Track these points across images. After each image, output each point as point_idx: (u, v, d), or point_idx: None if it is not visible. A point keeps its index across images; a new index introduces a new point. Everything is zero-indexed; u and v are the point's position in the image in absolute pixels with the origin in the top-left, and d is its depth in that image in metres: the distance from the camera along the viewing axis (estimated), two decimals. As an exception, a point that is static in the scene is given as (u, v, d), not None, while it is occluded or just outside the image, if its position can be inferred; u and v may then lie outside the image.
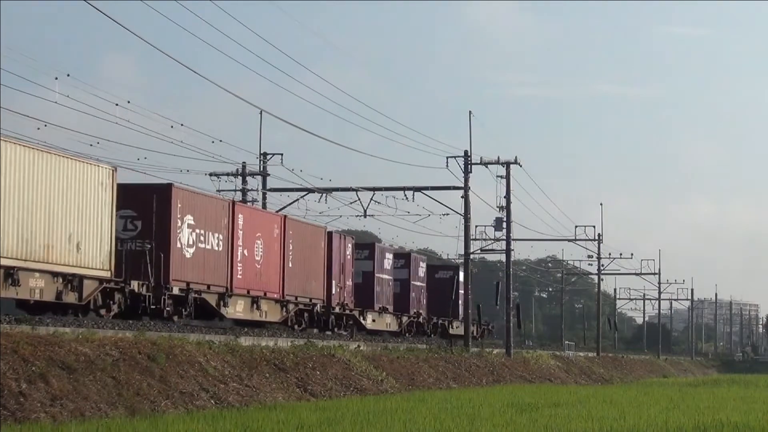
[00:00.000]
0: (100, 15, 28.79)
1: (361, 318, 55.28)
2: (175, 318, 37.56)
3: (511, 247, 64.87)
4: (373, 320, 57.04)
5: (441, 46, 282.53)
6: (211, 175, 60.39)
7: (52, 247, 31.26)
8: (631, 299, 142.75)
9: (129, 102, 42.15)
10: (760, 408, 30.19)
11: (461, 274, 70.50)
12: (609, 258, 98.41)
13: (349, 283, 53.23)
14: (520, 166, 63.28)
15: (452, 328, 70.03)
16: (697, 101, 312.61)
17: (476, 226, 66.17)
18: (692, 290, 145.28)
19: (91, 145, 41.63)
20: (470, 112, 61.02)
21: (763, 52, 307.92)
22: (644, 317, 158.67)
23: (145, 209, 36.86)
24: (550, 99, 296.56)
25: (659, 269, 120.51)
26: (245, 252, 42.10)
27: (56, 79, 37.95)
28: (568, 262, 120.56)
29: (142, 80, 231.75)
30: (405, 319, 62.54)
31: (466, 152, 60.45)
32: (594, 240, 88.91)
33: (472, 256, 64.46)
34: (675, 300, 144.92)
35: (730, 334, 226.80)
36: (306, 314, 48.23)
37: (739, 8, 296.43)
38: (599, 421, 24.14)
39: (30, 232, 30.48)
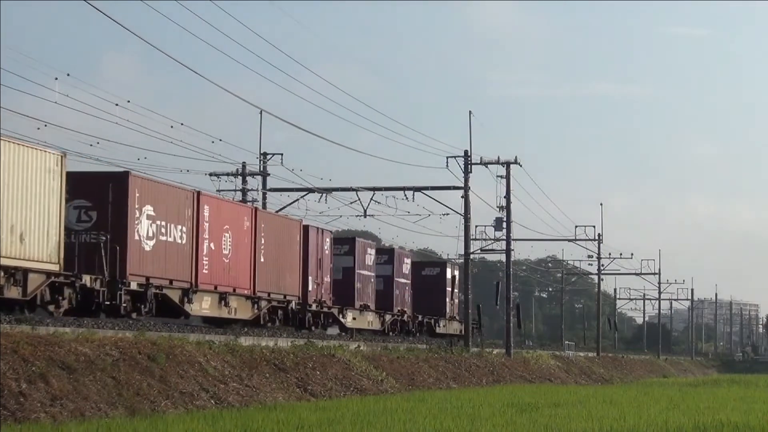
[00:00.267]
0: (100, 15, 28.77)
1: (341, 316, 53.36)
2: (134, 315, 35.41)
3: (511, 247, 64.90)
4: (354, 318, 55.04)
5: (441, 46, 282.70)
6: (211, 175, 60.46)
7: None
8: (631, 299, 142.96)
9: (129, 102, 42.15)
10: (760, 408, 30.17)
11: (449, 271, 69.97)
12: (609, 258, 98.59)
13: (327, 279, 51.13)
14: (520, 166, 63.39)
15: (439, 326, 68.34)
16: (697, 101, 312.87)
17: (476, 226, 66.23)
18: (692, 290, 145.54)
19: (91, 145, 41.65)
20: (470, 112, 61.16)
21: (763, 52, 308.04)
22: (644, 317, 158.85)
23: (100, 199, 34.59)
24: (550, 99, 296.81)
25: (659, 269, 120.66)
26: (212, 245, 39.96)
27: (56, 79, 37.92)
28: (568, 262, 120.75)
29: (142, 80, 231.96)
30: (388, 317, 60.46)
31: (466, 152, 60.49)
32: (594, 240, 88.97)
33: (472, 256, 64.45)
34: (675, 300, 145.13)
35: (730, 334, 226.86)
36: (280, 312, 46.30)
37: (739, 8, 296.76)
38: (599, 421, 24.13)
39: (-33, 222, 28.16)
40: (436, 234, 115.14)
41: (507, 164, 62.79)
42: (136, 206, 35.39)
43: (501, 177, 62.80)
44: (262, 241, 44.12)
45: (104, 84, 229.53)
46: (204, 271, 39.33)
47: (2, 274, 29.57)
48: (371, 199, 60.57)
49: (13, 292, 30.08)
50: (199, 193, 39.79)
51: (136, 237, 35.40)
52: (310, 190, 60.17)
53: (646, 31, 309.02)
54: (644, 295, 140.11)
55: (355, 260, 55.53)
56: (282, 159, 62.06)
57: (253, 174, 62.61)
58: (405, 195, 60.38)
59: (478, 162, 61.23)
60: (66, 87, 39.22)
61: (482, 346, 64.08)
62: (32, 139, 34.18)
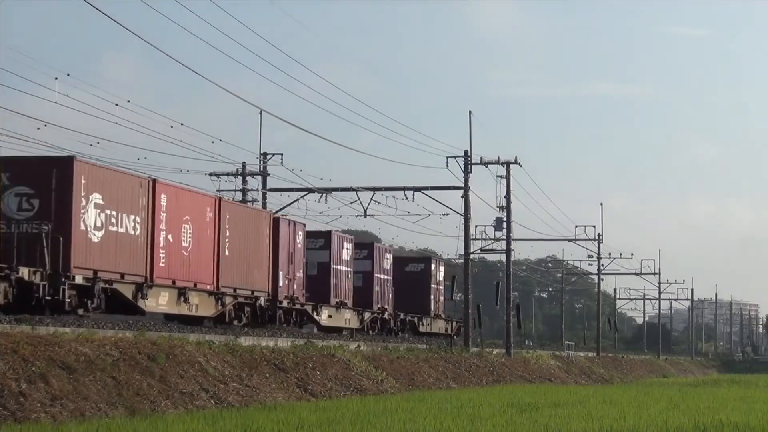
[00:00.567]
0: (100, 15, 28.78)
1: (315, 313, 50.47)
2: (80, 311, 32.84)
3: (511, 247, 64.94)
4: (330, 316, 52.16)
5: (441, 46, 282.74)
6: (211, 175, 60.53)
7: None
8: (631, 299, 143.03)
9: (129, 102, 42.16)
10: (760, 408, 30.16)
11: (433, 267, 68.08)
12: (609, 258, 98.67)
13: (300, 274, 48.25)
14: (520, 166, 63.45)
15: (422, 325, 65.89)
16: (697, 101, 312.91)
17: (476, 226, 66.25)
18: (692, 290, 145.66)
19: (91, 144, 41.66)
20: (470, 112, 61.24)
21: (763, 52, 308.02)
22: (644, 317, 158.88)
23: (43, 186, 32.09)
24: (550, 99, 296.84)
25: (659, 269, 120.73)
26: (169, 237, 37.08)
27: (56, 79, 37.90)
28: (568, 262, 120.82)
29: (142, 80, 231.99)
30: (367, 315, 57.37)
31: (466, 152, 60.55)
32: (594, 240, 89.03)
33: (472, 256, 64.47)
34: (675, 300, 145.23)
35: (730, 334, 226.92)
36: (247, 308, 43.38)
37: (739, 8, 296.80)
38: (599, 421, 24.13)
39: None
40: (436, 234, 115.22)
41: (507, 164, 62.85)
42: (83, 194, 32.79)
43: (501, 177, 62.89)
44: (227, 233, 41.21)
45: (104, 84, 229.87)
46: (161, 264, 36.56)
47: None
48: (371, 199, 60.65)
49: None
50: (155, 180, 36.95)
51: (82, 227, 32.72)
52: (310, 190, 60.22)
53: (646, 31, 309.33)
54: (644, 295, 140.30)
55: (331, 255, 52.88)
56: (282, 159, 62.18)
57: (253, 174, 62.67)
58: (405, 195, 60.47)
59: (478, 162, 61.33)
60: (66, 87, 39.27)
61: (482, 346, 64.08)
62: (32, 139, 34.19)
